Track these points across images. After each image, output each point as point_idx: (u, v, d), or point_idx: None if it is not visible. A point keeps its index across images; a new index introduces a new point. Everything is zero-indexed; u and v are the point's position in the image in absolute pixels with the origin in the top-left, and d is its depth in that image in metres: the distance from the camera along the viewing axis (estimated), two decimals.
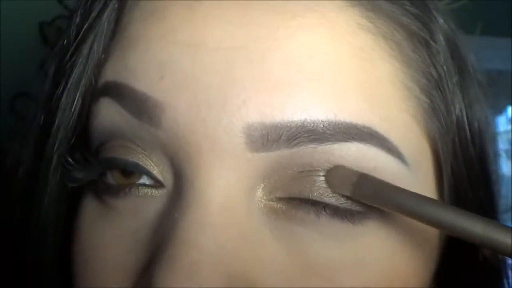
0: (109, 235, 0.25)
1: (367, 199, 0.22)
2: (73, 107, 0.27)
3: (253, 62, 0.23)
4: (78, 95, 0.27)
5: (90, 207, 0.27)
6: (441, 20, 0.28)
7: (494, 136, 0.34)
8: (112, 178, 0.26)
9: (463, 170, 0.28)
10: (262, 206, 0.23)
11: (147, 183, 0.25)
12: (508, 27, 1.20)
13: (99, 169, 0.26)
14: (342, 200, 0.23)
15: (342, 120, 0.23)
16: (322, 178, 0.23)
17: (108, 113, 0.25)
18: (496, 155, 0.33)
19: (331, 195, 0.23)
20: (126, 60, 0.25)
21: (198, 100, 0.22)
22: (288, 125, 0.22)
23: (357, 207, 0.23)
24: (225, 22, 0.23)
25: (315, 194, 0.23)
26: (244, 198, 0.23)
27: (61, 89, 0.28)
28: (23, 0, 0.96)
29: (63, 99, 0.28)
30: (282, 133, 0.22)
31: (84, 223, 0.27)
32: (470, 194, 0.29)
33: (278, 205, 0.23)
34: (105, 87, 0.26)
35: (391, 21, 0.25)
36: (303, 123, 0.22)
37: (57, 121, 0.28)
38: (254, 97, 0.22)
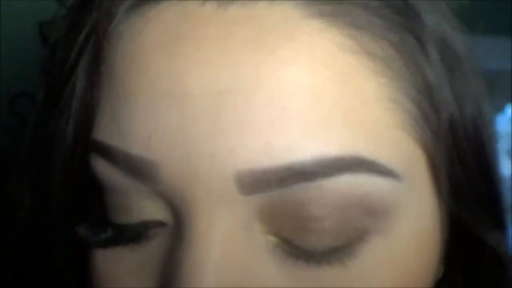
0: (119, 268, 0.26)
1: None
2: (67, 142, 0.28)
3: (237, 106, 0.23)
4: (70, 134, 0.27)
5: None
6: (429, 19, 0.27)
7: (494, 131, 0.34)
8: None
9: (460, 169, 0.28)
10: (261, 239, 0.24)
11: (148, 220, 0.26)
12: (509, 27, 1.19)
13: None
14: (334, 246, 0.24)
15: (329, 155, 0.23)
16: (314, 214, 0.23)
17: (104, 170, 0.26)
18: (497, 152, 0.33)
19: (322, 243, 0.24)
20: (116, 121, 0.25)
21: (188, 151, 0.23)
22: (276, 169, 0.23)
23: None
24: (207, 66, 0.23)
25: (309, 243, 0.24)
26: (243, 234, 0.23)
27: (53, 124, 0.28)
28: (23, 0, 0.96)
29: (56, 134, 0.28)
30: (272, 177, 0.23)
31: (96, 255, 0.28)
32: (469, 191, 0.29)
33: (275, 240, 0.24)
34: (97, 146, 0.26)
35: (374, 35, 0.24)
36: (290, 166, 0.22)
37: (54, 154, 0.28)
38: (241, 144, 0.22)
